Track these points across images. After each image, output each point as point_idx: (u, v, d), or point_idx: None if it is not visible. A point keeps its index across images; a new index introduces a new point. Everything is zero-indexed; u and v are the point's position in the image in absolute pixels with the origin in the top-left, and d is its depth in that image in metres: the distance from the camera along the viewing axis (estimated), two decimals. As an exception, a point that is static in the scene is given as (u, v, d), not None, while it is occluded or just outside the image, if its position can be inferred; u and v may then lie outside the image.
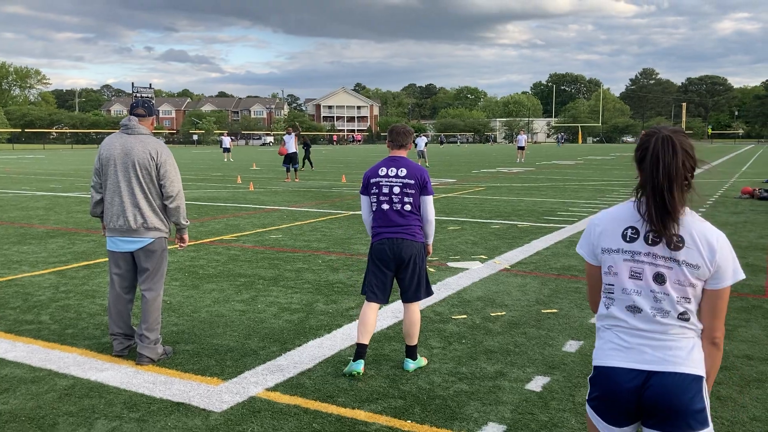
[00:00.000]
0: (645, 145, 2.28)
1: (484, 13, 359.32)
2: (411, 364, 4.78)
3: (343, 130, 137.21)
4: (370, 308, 4.70)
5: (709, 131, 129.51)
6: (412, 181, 4.62)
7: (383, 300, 4.75)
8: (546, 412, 4.08)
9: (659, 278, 2.28)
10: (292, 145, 23.02)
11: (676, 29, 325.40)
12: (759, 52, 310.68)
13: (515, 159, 41.94)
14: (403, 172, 4.64)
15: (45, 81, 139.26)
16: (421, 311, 6.26)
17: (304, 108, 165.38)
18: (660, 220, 2.24)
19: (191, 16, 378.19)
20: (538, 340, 5.48)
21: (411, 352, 4.80)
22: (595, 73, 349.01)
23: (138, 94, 70.74)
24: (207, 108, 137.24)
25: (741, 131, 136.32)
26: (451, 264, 8.53)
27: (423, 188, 4.66)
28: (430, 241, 4.85)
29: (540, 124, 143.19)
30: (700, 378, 2.26)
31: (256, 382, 4.54)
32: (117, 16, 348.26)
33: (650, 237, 2.29)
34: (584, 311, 6.29)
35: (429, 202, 4.69)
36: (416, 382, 4.55)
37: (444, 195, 18.26)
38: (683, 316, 2.27)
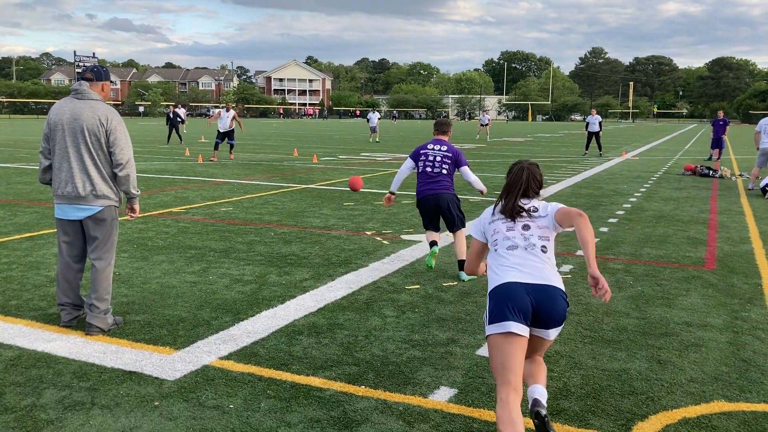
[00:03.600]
0: (512, 169, 3.58)
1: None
2: (465, 275, 6.36)
3: (294, 104, 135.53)
4: (430, 233, 6.70)
5: (655, 110, 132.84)
6: (450, 154, 6.61)
7: (437, 229, 6.71)
8: (496, 376, 4.18)
9: (525, 227, 3.40)
10: (227, 122, 21.88)
11: (623, 9, 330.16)
12: (702, 33, 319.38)
13: (476, 135, 44.42)
14: (444, 147, 6.65)
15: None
16: (375, 282, 6.34)
17: (254, 80, 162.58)
18: (515, 209, 3.45)
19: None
20: (489, 309, 5.59)
21: (462, 265, 6.26)
22: (545, 52, 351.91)
23: (80, 63, 68.30)
24: (153, 79, 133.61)
25: (685, 111, 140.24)
26: (404, 237, 8.60)
27: (457, 161, 6.60)
28: (481, 186, 6.73)
29: (491, 102, 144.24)
30: (563, 291, 3.28)
31: (209, 351, 4.52)
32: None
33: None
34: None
35: (467, 171, 6.67)
36: (370, 349, 4.61)
37: (397, 170, 18.29)
38: (544, 249, 3.34)
